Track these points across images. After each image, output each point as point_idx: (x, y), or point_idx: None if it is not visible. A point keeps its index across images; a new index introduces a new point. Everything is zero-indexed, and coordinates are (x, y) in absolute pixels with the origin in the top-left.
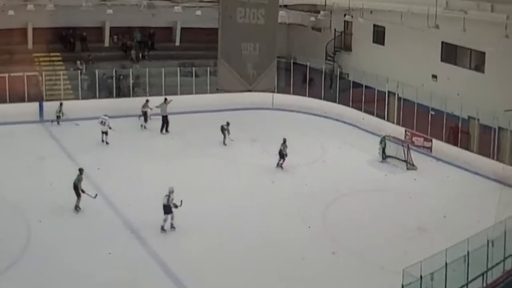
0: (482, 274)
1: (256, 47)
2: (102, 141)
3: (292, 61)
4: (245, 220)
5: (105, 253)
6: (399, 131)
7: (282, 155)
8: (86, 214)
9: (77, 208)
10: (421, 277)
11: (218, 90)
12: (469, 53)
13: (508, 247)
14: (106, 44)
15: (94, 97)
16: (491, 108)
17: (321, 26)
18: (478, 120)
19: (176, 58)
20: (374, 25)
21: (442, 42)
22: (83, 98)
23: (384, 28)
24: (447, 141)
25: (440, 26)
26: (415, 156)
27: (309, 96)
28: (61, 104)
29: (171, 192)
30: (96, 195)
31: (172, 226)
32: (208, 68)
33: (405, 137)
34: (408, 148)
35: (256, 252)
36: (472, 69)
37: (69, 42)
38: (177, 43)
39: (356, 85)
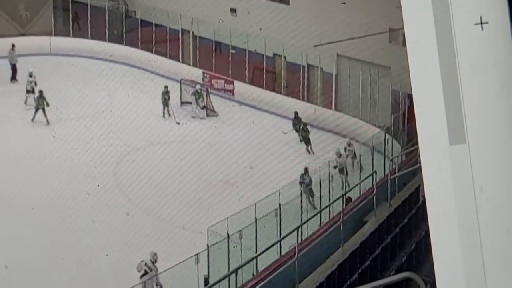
0: (297, 229)
1: None
2: None
3: None
4: (24, 180)
5: None
6: (196, 73)
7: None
8: None
9: None
10: (228, 235)
11: None
12: None
13: (324, 198)
14: None
15: None
16: (299, 44)
17: None
18: (285, 57)
19: None
20: None
21: None
22: None
23: None
24: (251, 82)
25: None
26: (216, 101)
27: (92, 38)
28: None
29: None
30: None
31: None
32: None
33: (203, 80)
34: (208, 92)
35: (38, 216)
36: (275, 1)
37: None
38: None
39: (145, 23)
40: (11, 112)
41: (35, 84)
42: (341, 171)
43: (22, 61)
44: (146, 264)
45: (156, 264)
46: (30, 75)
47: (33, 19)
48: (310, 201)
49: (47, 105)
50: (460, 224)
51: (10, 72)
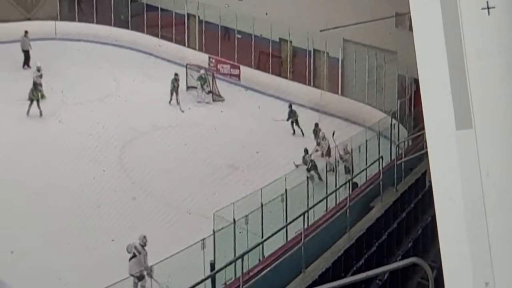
0: (303, 214)
1: None
2: None
3: None
4: (29, 165)
5: None
6: (202, 58)
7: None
8: None
9: None
10: (234, 220)
11: None
12: None
13: (330, 183)
14: None
15: None
16: (304, 29)
17: None
18: (291, 42)
19: None
20: None
21: None
22: None
23: None
24: (257, 67)
25: None
26: (222, 86)
27: (97, 22)
28: None
29: None
30: None
31: None
32: None
33: (209, 64)
34: (214, 77)
35: (44, 200)
36: None
37: None
38: None
39: (151, 8)
40: (20, 97)
41: (41, 76)
42: (347, 170)
43: None
44: (135, 247)
45: (145, 248)
46: (38, 70)
47: (39, 4)
48: (313, 178)
49: (42, 97)
50: (466, 209)
51: (22, 58)
